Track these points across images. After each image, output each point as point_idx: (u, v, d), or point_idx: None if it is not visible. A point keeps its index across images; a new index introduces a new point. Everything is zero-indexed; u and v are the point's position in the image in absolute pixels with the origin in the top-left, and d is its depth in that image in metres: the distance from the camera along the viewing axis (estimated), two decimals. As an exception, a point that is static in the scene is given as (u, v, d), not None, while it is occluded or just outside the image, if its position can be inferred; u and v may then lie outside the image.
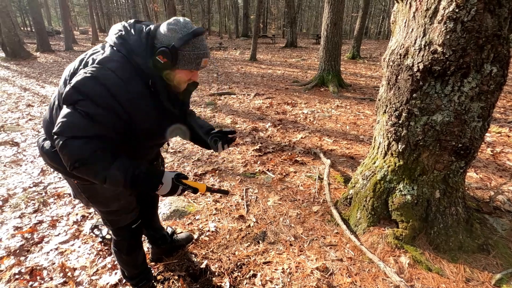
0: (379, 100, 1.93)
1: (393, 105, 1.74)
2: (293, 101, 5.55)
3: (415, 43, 1.56)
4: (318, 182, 2.66)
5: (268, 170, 2.93)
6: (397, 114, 1.73)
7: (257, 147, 3.47)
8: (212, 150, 1.43)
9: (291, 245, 1.95)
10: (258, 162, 3.09)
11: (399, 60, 1.66)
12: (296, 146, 3.50)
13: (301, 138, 3.78)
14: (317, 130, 4.10)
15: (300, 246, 1.93)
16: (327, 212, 2.23)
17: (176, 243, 1.88)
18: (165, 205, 2.36)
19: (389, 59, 1.75)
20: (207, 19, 31.18)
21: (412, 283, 1.59)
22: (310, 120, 4.52)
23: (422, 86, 1.57)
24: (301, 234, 2.04)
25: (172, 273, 1.75)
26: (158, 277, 1.72)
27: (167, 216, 2.25)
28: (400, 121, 1.72)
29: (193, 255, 1.88)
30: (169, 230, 1.92)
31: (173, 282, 1.70)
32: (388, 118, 1.79)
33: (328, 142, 3.63)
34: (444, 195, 1.76)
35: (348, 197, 2.20)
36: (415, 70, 1.56)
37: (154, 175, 1.08)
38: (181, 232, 2.04)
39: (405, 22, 1.66)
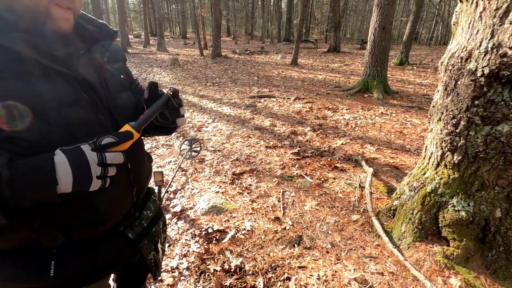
0: (433, 106, 1.80)
1: (450, 113, 1.61)
2: (334, 107, 5.41)
3: (480, 45, 1.43)
4: (358, 191, 2.55)
5: (306, 174, 2.88)
6: (454, 122, 1.59)
7: (296, 150, 3.43)
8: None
9: (327, 252, 1.89)
10: (296, 166, 3.05)
11: (460, 64, 1.53)
12: (336, 152, 3.40)
13: (342, 144, 3.66)
14: (358, 137, 3.94)
15: (337, 255, 1.86)
16: (368, 222, 2.13)
17: None
18: (204, 201, 2.43)
19: (448, 62, 1.63)
20: (251, 23, 31.82)
21: (463, 308, 1.45)
22: (351, 126, 4.36)
23: (487, 93, 1.43)
24: (339, 242, 1.97)
25: (207, 267, 1.79)
26: (195, 270, 1.78)
27: (205, 211, 2.32)
28: (458, 130, 1.58)
29: (229, 251, 1.91)
30: None
31: (208, 275, 1.74)
32: (444, 126, 1.66)
33: (370, 150, 3.47)
34: (506, 214, 1.57)
35: (392, 208, 2.07)
36: (478, 75, 1.43)
37: (32, 163, 0.55)
38: None
39: (469, 23, 1.53)
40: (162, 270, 1.74)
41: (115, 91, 0.77)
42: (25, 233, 0.63)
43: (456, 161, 1.63)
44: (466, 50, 1.50)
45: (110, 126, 0.71)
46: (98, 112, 0.69)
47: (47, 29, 0.61)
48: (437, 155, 1.75)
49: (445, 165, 1.71)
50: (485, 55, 1.40)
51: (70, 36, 0.68)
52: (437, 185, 1.74)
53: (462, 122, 1.56)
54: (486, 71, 1.40)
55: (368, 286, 1.62)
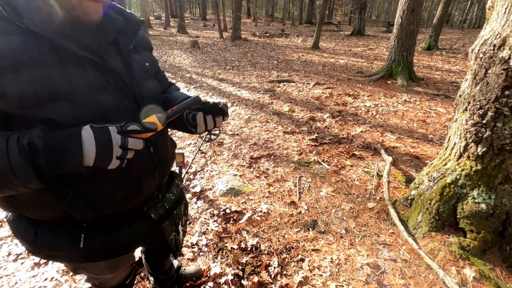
0: (460, 96, 1.74)
1: (478, 103, 1.56)
2: (355, 93, 5.28)
3: (516, 32, 1.36)
4: (376, 179, 2.54)
5: (323, 160, 2.89)
6: (481, 112, 1.54)
7: (314, 137, 3.43)
8: (198, 134, 0.94)
9: (341, 237, 1.93)
10: (314, 152, 3.06)
11: (492, 51, 1.46)
12: (354, 140, 3.37)
13: (361, 131, 3.61)
14: (379, 125, 3.86)
15: (351, 240, 1.90)
16: (383, 211, 2.14)
17: (182, 279, 1.59)
18: (222, 183, 2.52)
19: (479, 50, 1.55)
20: (271, 5, 30.93)
21: (476, 298, 1.46)
22: (372, 113, 4.27)
23: (519, 83, 1.37)
24: (353, 228, 2.01)
25: (225, 244, 1.89)
26: (213, 247, 1.88)
27: (223, 192, 2.41)
28: (484, 121, 1.53)
29: (245, 232, 2.00)
30: (175, 263, 1.60)
31: (225, 252, 1.84)
32: (469, 117, 1.61)
33: (390, 139, 3.40)
34: (529, 209, 1.54)
35: (409, 197, 2.07)
36: (511, 63, 1.37)
37: (63, 135, 0.61)
38: (189, 265, 1.74)
39: (506, 8, 1.44)
40: (183, 246, 1.86)
41: (140, 79, 0.81)
42: (58, 205, 0.70)
43: (480, 153, 1.59)
44: (500, 37, 1.43)
45: (135, 111, 0.76)
46: (124, 98, 0.74)
47: (79, 21, 0.67)
48: (460, 146, 1.71)
49: (468, 157, 1.67)
50: (520, 42, 1.33)
51: (100, 26, 0.72)
52: (458, 176, 1.71)
53: (489, 113, 1.50)
54: (520, 59, 1.33)
55: (380, 271, 1.65)
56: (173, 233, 0.99)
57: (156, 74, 0.96)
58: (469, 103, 1.63)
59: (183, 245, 1.11)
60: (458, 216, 1.70)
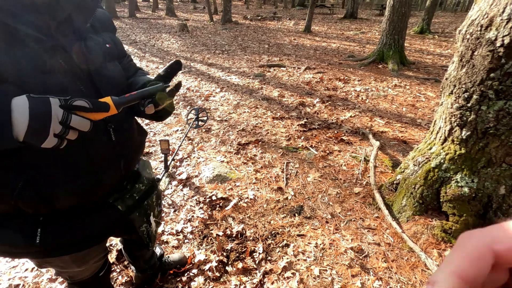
0: (446, 79, 1.71)
1: (463, 86, 1.53)
2: (345, 77, 5.22)
3: (503, 11, 1.32)
4: (363, 164, 2.54)
5: (311, 146, 2.87)
6: (466, 96, 1.52)
7: (302, 122, 3.39)
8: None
9: (327, 222, 1.94)
10: (302, 138, 3.04)
11: (479, 32, 1.42)
12: (343, 125, 3.35)
13: (350, 116, 3.59)
14: (368, 109, 3.84)
15: (336, 225, 1.91)
16: (369, 195, 2.15)
17: (166, 267, 1.56)
18: (209, 169, 2.48)
19: (466, 31, 1.51)
20: (263, -14, 30.01)
21: (455, 279, 1.49)
22: (362, 98, 4.24)
23: (504, 65, 1.34)
24: (339, 213, 2.01)
25: (210, 231, 1.88)
26: (199, 234, 1.86)
27: (210, 179, 2.38)
28: (469, 104, 1.51)
29: (231, 218, 1.99)
30: (158, 251, 1.58)
31: (210, 239, 1.83)
32: (455, 100, 1.59)
33: (379, 123, 3.40)
34: (510, 192, 1.55)
35: (395, 182, 2.07)
36: (498, 44, 1.33)
37: None
38: (174, 253, 1.73)
39: (495, -14, 1.39)
40: (159, 237, 1.83)
41: (99, 61, 0.74)
42: (6, 199, 0.64)
43: (464, 137, 1.59)
44: (487, 16, 1.39)
45: (91, 97, 0.67)
46: (78, 81, 0.67)
47: None
48: (445, 130, 1.70)
49: (452, 141, 1.66)
50: (507, 22, 1.30)
51: (51, 3, 0.64)
52: (442, 161, 1.71)
53: (474, 96, 1.48)
54: (507, 40, 1.30)
55: (364, 255, 1.67)
56: (144, 224, 0.95)
57: (121, 58, 0.88)
58: (454, 86, 1.60)
59: (156, 236, 1.06)
60: (441, 200, 1.71)
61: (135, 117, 0.92)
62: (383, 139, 2.98)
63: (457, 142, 1.64)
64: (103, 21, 0.82)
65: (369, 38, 10.12)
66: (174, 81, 0.75)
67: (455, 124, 1.62)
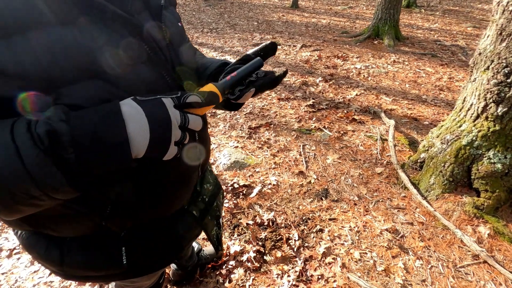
0: (479, 54, 1.66)
1: (504, 61, 1.49)
2: (343, 54, 5.12)
3: (556, -20, 1.26)
4: (379, 143, 2.52)
5: (324, 127, 2.82)
6: (506, 71, 1.48)
7: (310, 102, 3.31)
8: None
9: (355, 204, 1.92)
10: (313, 119, 2.97)
11: (525, 3, 1.36)
12: (351, 104, 3.30)
13: (356, 95, 3.54)
14: (372, 87, 3.80)
15: (365, 206, 1.90)
16: (393, 175, 2.14)
17: (203, 261, 1.51)
18: (225, 156, 2.39)
19: (508, 2, 1.45)
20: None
21: (493, 253, 1.52)
22: (364, 76, 4.18)
23: (553, 38, 1.30)
24: (365, 194, 2.00)
25: (239, 221, 1.82)
26: (228, 224, 1.80)
27: (227, 166, 2.29)
28: (510, 80, 1.48)
29: (258, 206, 1.93)
30: (196, 247, 1.53)
31: (241, 229, 1.77)
32: (492, 76, 1.55)
33: (386, 101, 3.37)
34: (544, 166, 1.57)
35: (419, 160, 2.07)
36: (548, 16, 1.28)
37: (97, 114, 0.40)
38: (206, 246, 1.65)
39: (545, -47, 1.32)
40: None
41: (177, 44, 0.60)
42: (95, 219, 0.53)
43: (500, 113, 1.57)
44: (536, -14, 1.32)
45: (175, 88, 0.56)
46: (163, 70, 0.53)
47: None
48: (478, 107, 1.68)
49: (486, 117, 1.65)
50: (561, -8, 1.24)
51: None
52: (474, 138, 1.70)
53: (516, 71, 1.45)
54: (559, 12, 1.24)
55: (400, 235, 1.67)
56: (214, 228, 0.83)
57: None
58: (492, 61, 1.56)
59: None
60: (472, 177, 1.72)
61: None
62: (394, 117, 2.96)
63: (492, 119, 1.62)
64: None
65: (357, 13, 9.95)
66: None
67: (491, 100, 1.59)
